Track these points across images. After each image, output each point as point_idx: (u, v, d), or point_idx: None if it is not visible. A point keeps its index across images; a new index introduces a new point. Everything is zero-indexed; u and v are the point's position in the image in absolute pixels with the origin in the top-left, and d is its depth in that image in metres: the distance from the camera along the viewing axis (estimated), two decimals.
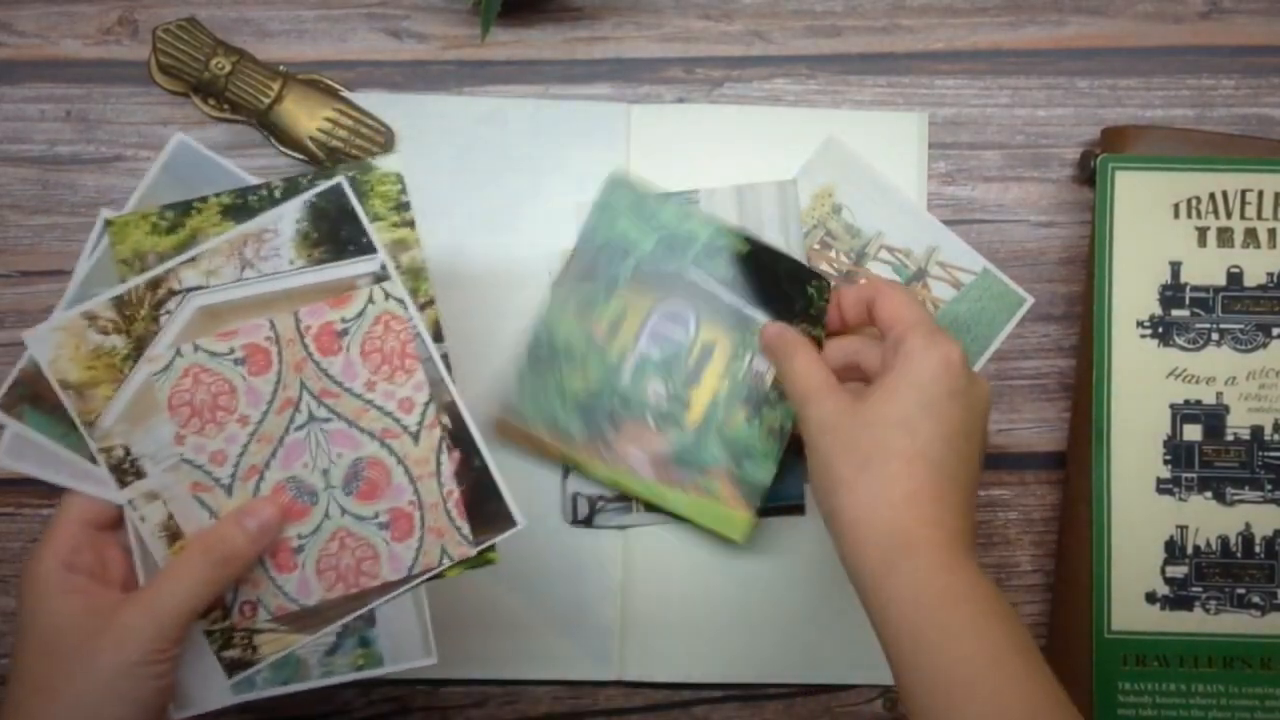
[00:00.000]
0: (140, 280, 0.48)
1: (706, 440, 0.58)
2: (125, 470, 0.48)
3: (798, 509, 0.60)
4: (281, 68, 0.63)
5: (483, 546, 0.50)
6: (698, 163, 0.62)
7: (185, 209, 0.49)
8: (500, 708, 0.61)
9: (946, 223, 0.62)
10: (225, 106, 0.62)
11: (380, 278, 0.49)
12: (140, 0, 0.64)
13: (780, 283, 0.58)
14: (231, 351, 0.49)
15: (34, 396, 0.48)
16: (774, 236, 0.61)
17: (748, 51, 0.64)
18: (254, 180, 0.50)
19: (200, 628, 0.48)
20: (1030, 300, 0.62)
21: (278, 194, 0.49)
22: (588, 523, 0.60)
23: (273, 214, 0.49)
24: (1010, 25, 0.65)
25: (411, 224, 0.50)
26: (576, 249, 0.58)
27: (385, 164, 0.50)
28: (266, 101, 0.61)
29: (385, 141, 0.61)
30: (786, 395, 0.55)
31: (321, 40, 0.64)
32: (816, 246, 0.62)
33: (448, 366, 0.50)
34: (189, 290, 0.48)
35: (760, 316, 0.58)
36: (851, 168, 0.62)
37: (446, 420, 0.50)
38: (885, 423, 0.48)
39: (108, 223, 0.49)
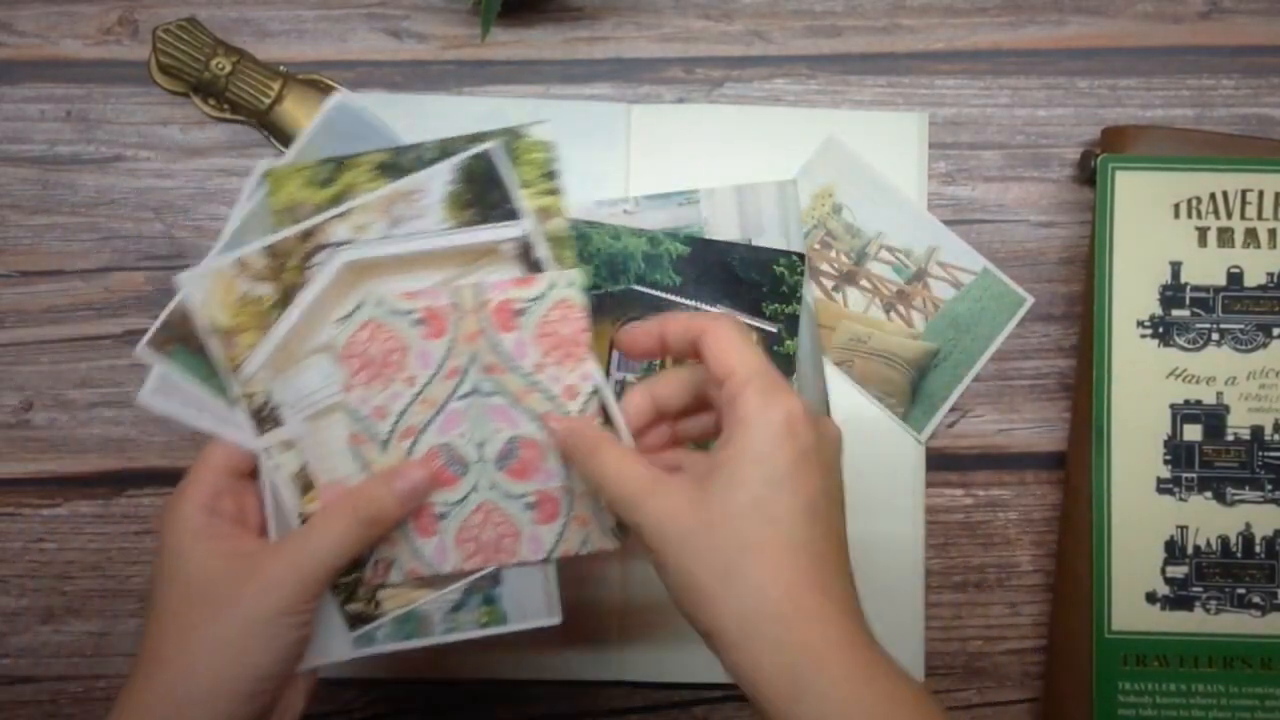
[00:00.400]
0: (293, 230, 0.49)
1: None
2: (265, 418, 0.49)
3: None
4: (281, 68, 0.63)
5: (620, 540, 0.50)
6: (698, 163, 0.62)
7: (339, 164, 0.49)
8: (500, 708, 0.61)
9: (947, 223, 0.62)
10: (225, 106, 0.62)
11: (525, 244, 0.49)
12: (140, 0, 0.64)
13: (736, 271, 0.57)
14: (411, 312, 0.50)
15: (183, 337, 0.48)
16: (774, 237, 0.61)
17: (748, 51, 0.64)
18: (408, 142, 0.51)
19: None
20: (1030, 300, 0.62)
21: (431, 155, 0.50)
22: None
23: (424, 174, 0.49)
24: (1010, 25, 0.65)
25: (558, 192, 0.49)
26: None
27: (538, 131, 0.50)
28: (266, 101, 0.61)
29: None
30: (604, 500, 0.46)
31: (321, 40, 0.64)
32: (817, 246, 0.62)
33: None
34: (338, 244, 0.49)
35: (724, 312, 0.57)
36: (851, 168, 0.62)
37: (600, 415, 0.50)
38: (736, 514, 0.41)
39: (266, 174, 0.49)
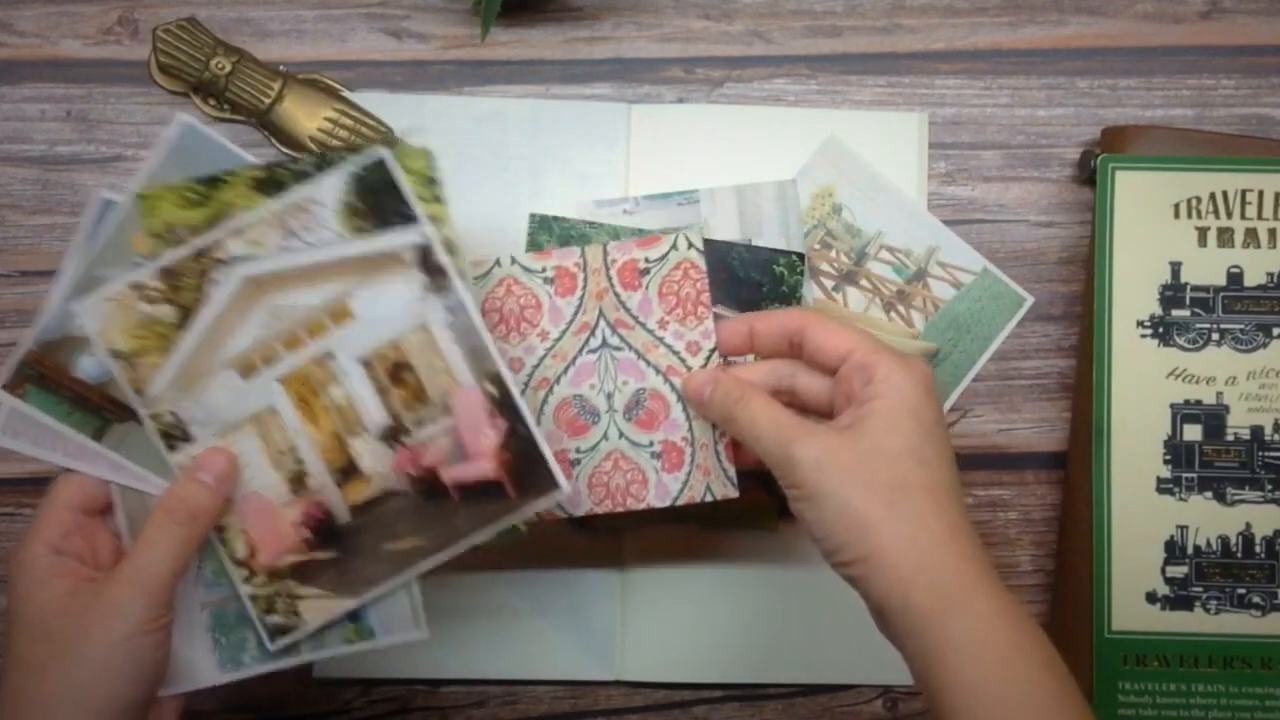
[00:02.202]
0: (185, 251, 0.49)
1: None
2: (174, 435, 0.49)
3: None
4: (281, 68, 0.63)
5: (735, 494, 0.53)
6: (698, 163, 0.62)
7: (214, 183, 0.49)
8: (500, 708, 0.61)
9: (947, 223, 0.62)
10: (225, 106, 0.62)
11: (424, 249, 0.49)
12: (140, 0, 0.64)
13: (736, 270, 0.58)
14: (544, 270, 0.54)
15: (40, 376, 0.49)
16: (774, 237, 0.61)
17: (748, 51, 0.64)
18: (256, 161, 0.51)
19: (246, 592, 0.49)
20: (1030, 300, 0.62)
21: (308, 168, 0.49)
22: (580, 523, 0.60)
23: (316, 186, 0.49)
24: (1010, 25, 0.65)
25: (442, 199, 0.50)
26: None
27: (418, 140, 0.50)
28: (266, 101, 0.61)
29: (385, 141, 0.61)
30: (752, 441, 0.48)
31: (321, 40, 0.64)
32: (817, 246, 0.62)
33: None
34: (235, 260, 0.49)
35: (726, 313, 0.57)
36: (851, 168, 0.62)
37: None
38: (893, 455, 0.45)
39: (139, 196, 0.49)
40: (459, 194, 0.61)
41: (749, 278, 0.58)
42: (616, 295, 0.53)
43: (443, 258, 0.49)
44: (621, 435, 0.53)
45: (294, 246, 0.49)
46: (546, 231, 0.60)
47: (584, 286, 0.53)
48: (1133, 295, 0.59)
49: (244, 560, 0.49)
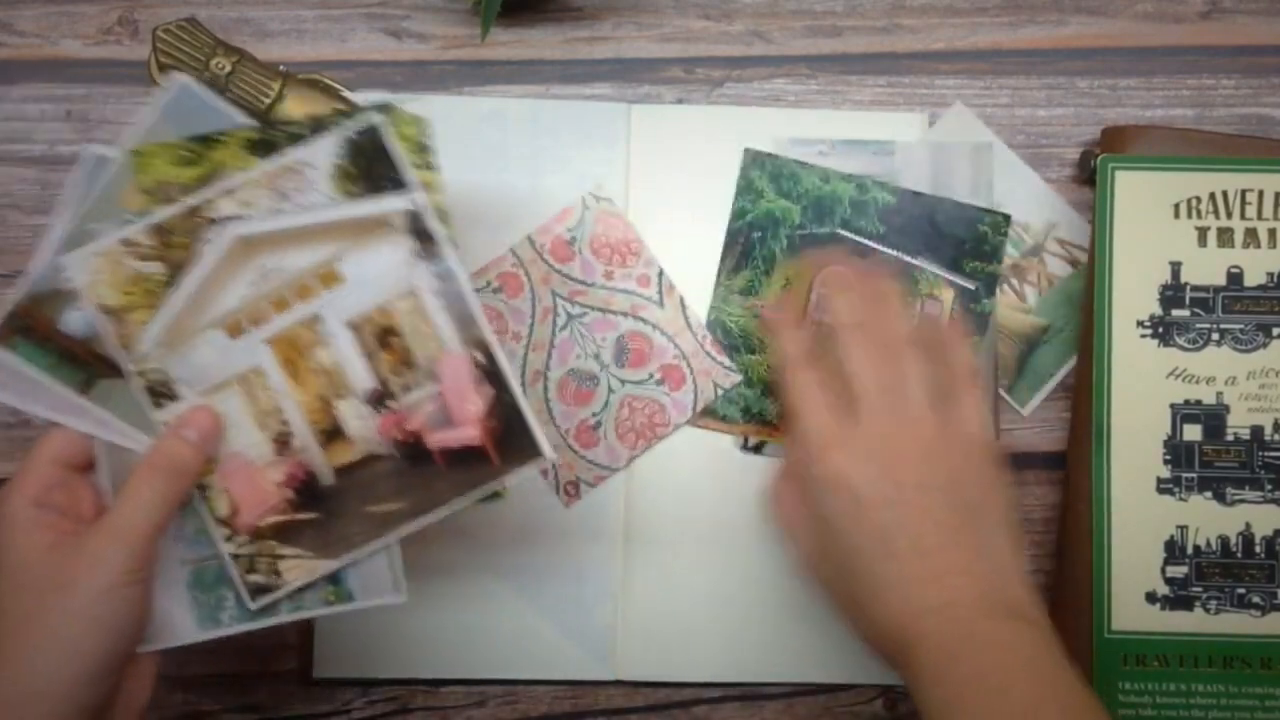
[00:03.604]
0: (178, 209, 0.49)
1: None
2: (160, 393, 0.49)
3: None
4: (281, 68, 0.63)
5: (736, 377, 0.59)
6: (698, 163, 0.62)
7: (208, 142, 0.49)
8: (500, 708, 0.61)
9: None
10: None
11: (414, 215, 0.49)
12: (140, 0, 0.64)
13: (940, 226, 0.59)
14: (488, 284, 0.58)
15: (27, 328, 0.49)
16: (964, 196, 0.61)
17: (748, 51, 0.64)
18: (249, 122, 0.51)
19: (228, 550, 0.49)
20: None
21: (303, 130, 0.50)
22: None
23: (309, 149, 0.49)
24: (1010, 25, 0.65)
25: (433, 167, 0.50)
26: (728, 234, 0.61)
27: (413, 107, 0.50)
28: (266, 101, 0.61)
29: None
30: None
31: (321, 40, 0.64)
32: None
33: None
34: (225, 219, 0.49)
35: (924, 265, 0.59)
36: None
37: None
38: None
39: (134, 152, 0.49)
40: (459, 193, 0.62)
41: (952, 234, 0.59)
42: (558, 271, 0.58)
43: (433, 224, 0.49)
44: (623, 383, 0.58)
45: (285, 208, 0.49)
46: (759, 168, 0.61)
47: (529, 279, 0.58)
48: (1133, 295, 0.59)
49: (226, 519, 0.49)
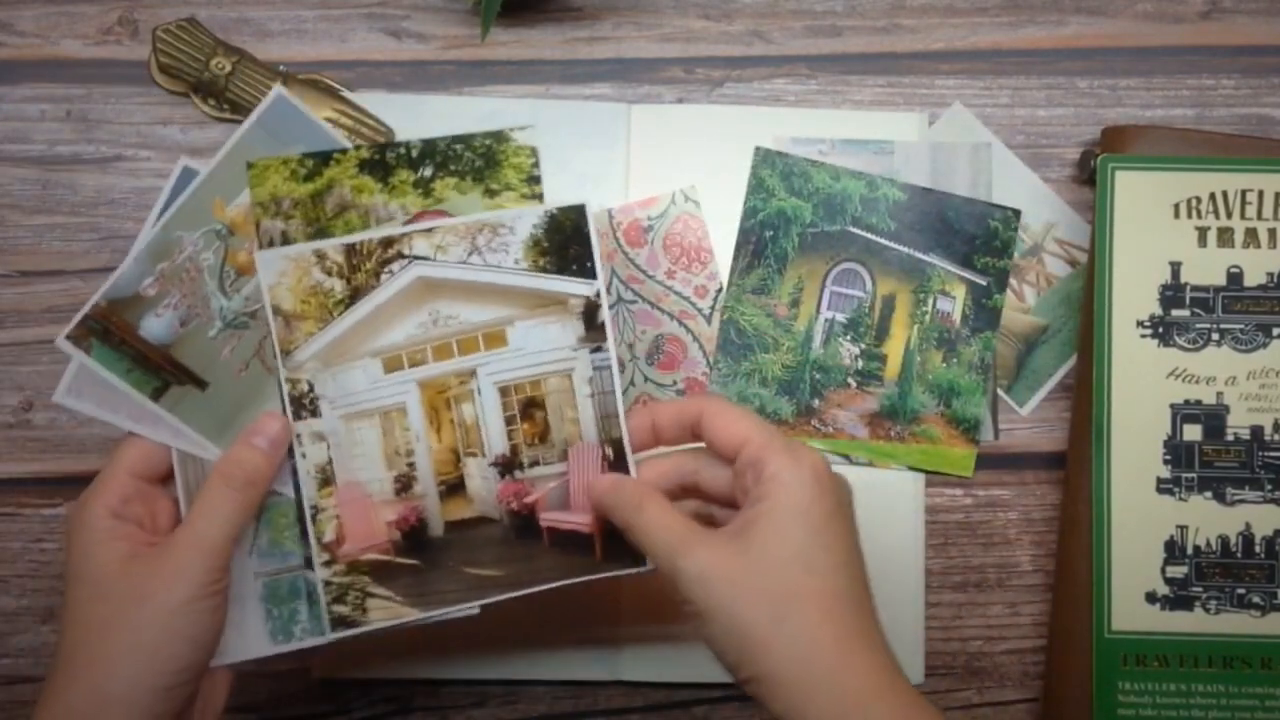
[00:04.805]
0: (376, 234, 0.50)
1: (910, 389, 0.60)
2: (303, 405, 0.50)
3: None
4: (281, 68, 0.63)
5: None
6: (698, 162, 0.62)
7: (324, 158, 0.51)
8: (500, 708, 0.61)
9: None
10: (225, 106, 0.62)
11: (593, 304, 0.50)
12: (140, 0, 0.64)
13: (951, 222, 0.60)
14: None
15: (104, 331, 0.49)
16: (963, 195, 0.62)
17: (748, 51, 0.64)
18: (345, 143, 0.51)
19: (322, 576, 0.49)
20: None
21: (414, 153, 0.51)
22: None
23: (514, 212, 0.51)
24: (1010, 25, 0.65)
25: (540, 198, 0.51)
26: (739, 234, 0.61)
27: (523, 136, 0.52)
28: None
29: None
30: (645, 551, 0.47)
31: (321, 40, 0.64)
32: None
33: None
34: (416, 258, 0.50)
35: (936, 261, 0.60)
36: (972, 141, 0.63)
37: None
38: (780, 564, 0.43)
39: (249, 164, 0.50)
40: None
41: (963, 229, 0.60)
42: (625, 253, 0.59)
43: (607, 319, 0.50)
44: (646, 379, 0.58)
45: (474, 262, 0.50)
46: (769, 166, 0.61)
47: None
48: (1132, 295, 0.59)
49: (329, 545, 0.50)
